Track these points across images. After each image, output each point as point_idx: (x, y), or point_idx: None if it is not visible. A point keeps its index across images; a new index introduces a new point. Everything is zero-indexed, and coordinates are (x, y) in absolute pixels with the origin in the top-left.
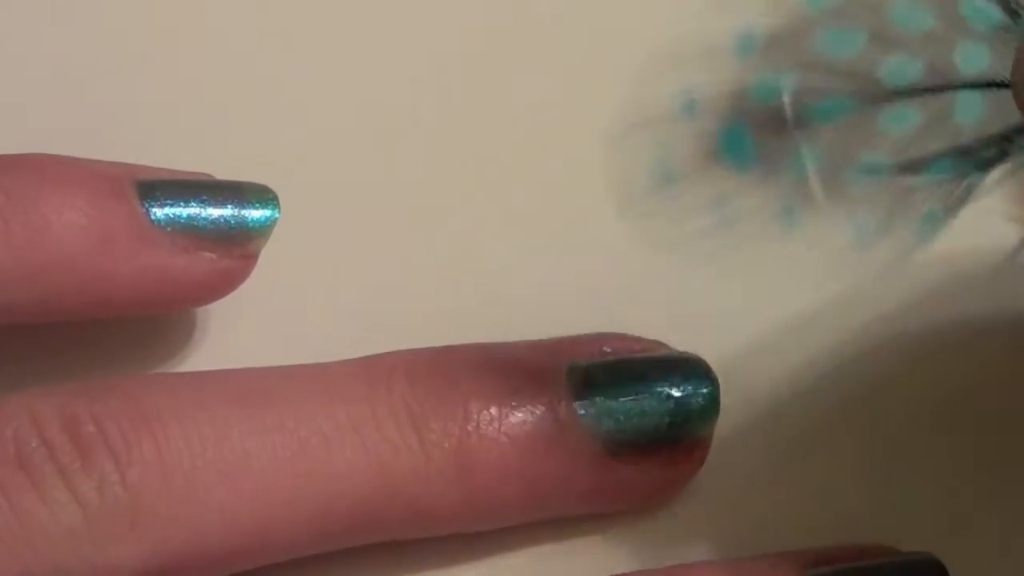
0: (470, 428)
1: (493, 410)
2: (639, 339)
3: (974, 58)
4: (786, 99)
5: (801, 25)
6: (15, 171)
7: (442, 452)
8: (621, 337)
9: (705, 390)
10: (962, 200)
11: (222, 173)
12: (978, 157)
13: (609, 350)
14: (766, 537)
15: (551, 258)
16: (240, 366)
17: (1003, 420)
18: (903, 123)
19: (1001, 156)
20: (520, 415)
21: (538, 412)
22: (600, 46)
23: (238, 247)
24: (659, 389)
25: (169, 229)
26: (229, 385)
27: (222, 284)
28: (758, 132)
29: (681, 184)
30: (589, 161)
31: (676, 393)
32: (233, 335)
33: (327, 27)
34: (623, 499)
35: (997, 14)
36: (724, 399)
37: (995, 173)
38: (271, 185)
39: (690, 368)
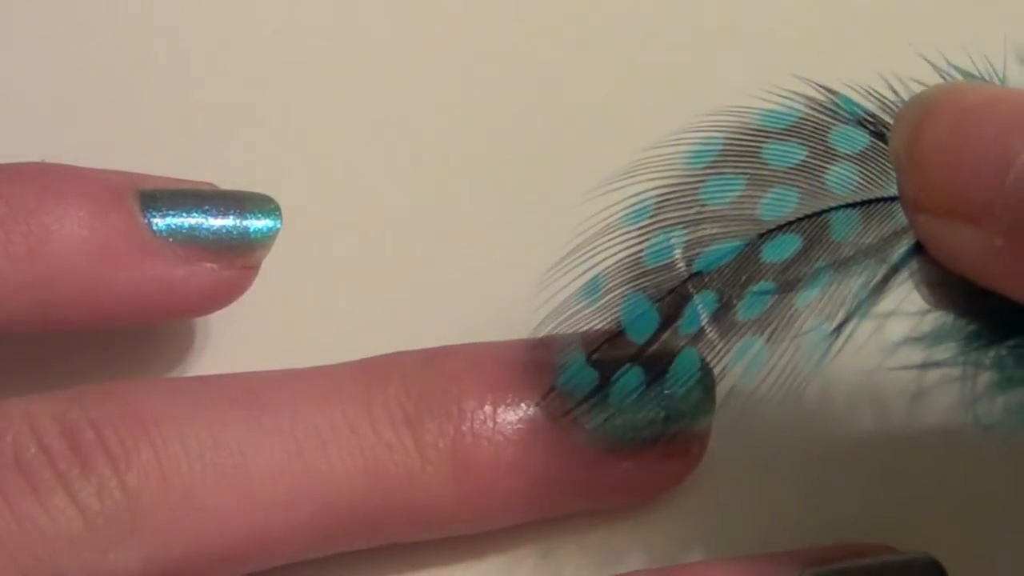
0: (465, 428)
1: (487, 409)
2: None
3: (845, 179)
4: (677, 254)
5: (686, 184)
6: (16, 180)
7: (437, 452)
8: (616, 335)
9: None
10: (849, 315)
11: (224, 182)
12: (855, 267)
13: (577, 341)
14: (766, 537)
15: (548, 259)
16: (239, 371)
17: None
18: (785, 250)
19: (878, 264)
20: (515, 414)
21: (532, 410)
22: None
23: (240, 258)
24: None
25: (170, 239)
26: (226, 389)
27: (223, 295)
28: (656, 299)
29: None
30: (586, 163)
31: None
32: (232, 341)
33: (328, 40)
34: (622, 496)
35: (864, 137)
36: (722, 395)
37: (874, 282)
38: (272, 194)
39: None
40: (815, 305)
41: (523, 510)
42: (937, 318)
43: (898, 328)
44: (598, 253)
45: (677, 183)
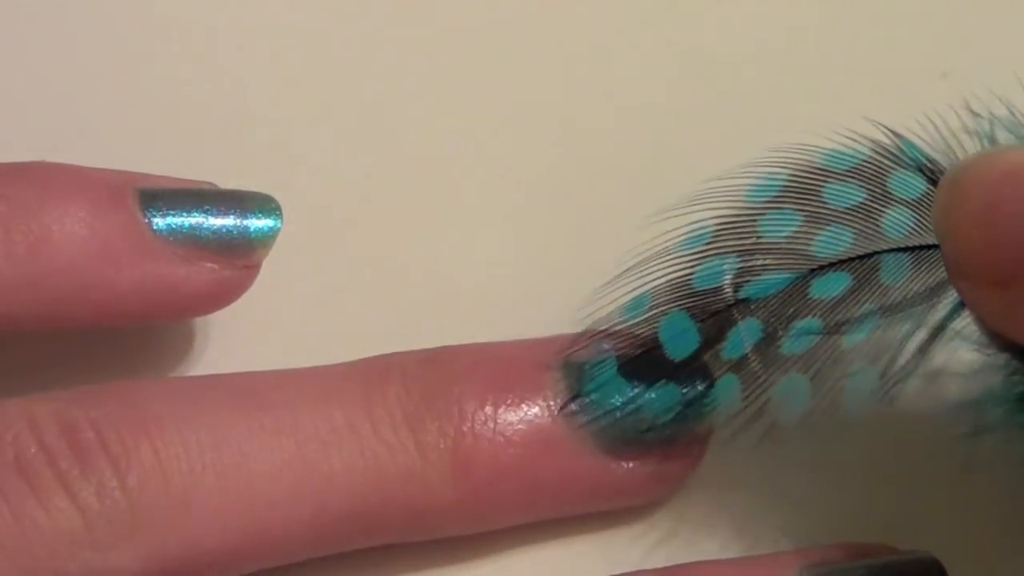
0: (465, 428)
1: (488, 410)
2: (635, 336)
3: (899, 224)
4: (726, 280)
5: (744, 215)
6: (16, 180)
7: (438, 453)
8: (617, 334)
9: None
10: (894, 361)
11: (224, 182)
12: (903, 313)
13: (607, 347)
14: (766, 537)
15: (549, 259)
16: (239, 371)
17: None
18: (834, 288)
19: (926, 312)
20: (516, 414)
21: (534, 411)
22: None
23: (240, 257)
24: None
25: (171, 239)
26: (226, 389)
27: (224, 294)
28: (699, 317)
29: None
30: (586, 162)
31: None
32: (232, 341)
33: (330, 39)
34: (621, 497)
35: (922, 184)
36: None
37: (925, 337)
38: (273, 194)
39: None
40: (862, 348)
41: (523, 511)
42: (985, 379)
43: (947, 389)
44: (650, 273)
45: (737, 213)
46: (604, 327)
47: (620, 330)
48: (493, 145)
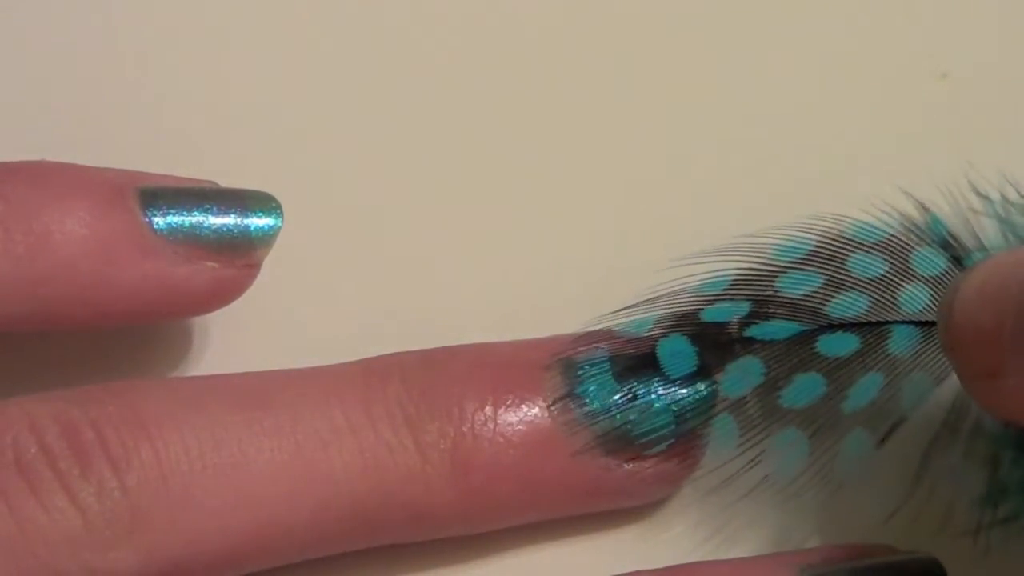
0: (465, 429)
1: (488, 410)
2: (634, 336)
3: (915, 299)
4: (734, 319)
5: (767, 270)
6: (16, 179)
7: (438, 453)
8: (616, 335)
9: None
10: (892, 428)
11: (225, 180)
12: (908, 385)
13: (605, 349)
14: (767, 537)
15: (550, 259)
16: (239, 371)
17: None
18: (841, 348)
19: (931, 389)
20: (516, 415)
21: (533, 411)
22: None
23: (241, 256)
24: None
25: (171, 238)
26: (226, 389)
27: (224, 293)
28: (701, 345)
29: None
30: (587, 160)
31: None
32: (232, 341)
33: (331, 38)
34: (620, 497)
35: (943, 262)
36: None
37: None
38: (273, 192)
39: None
40: (863, 413)
41: (523, 511)
42: (1004, 474)
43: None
44: (663, 309)
45: (759, 268)
46: (605, 330)
47: (620, 334)
48: (494, 146)
